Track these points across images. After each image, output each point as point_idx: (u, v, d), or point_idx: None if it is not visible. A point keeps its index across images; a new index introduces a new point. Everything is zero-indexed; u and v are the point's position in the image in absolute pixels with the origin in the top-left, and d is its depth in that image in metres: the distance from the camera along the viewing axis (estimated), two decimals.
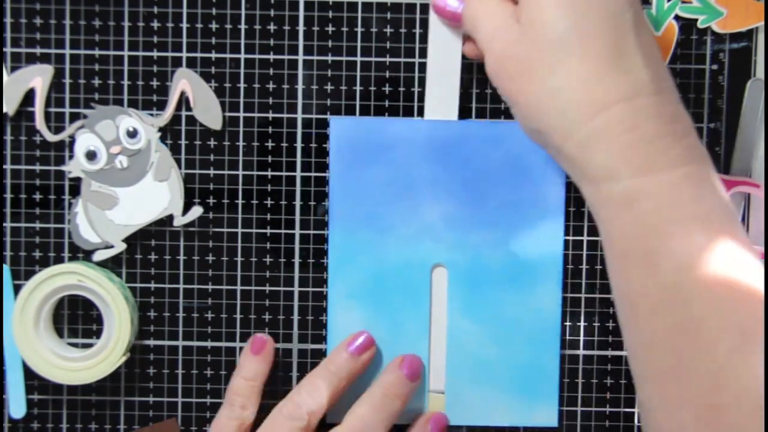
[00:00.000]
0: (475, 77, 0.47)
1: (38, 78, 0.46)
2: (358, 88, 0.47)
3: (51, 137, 0.46)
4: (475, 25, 0.40)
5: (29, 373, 0.46)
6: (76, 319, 0.48)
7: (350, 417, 0.43)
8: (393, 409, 0.43)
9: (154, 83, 0.47)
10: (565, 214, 0.47)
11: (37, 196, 0.47)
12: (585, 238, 0.48)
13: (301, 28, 0.47)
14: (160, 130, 0.46)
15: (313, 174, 0.47)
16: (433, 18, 0.44)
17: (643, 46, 0.36)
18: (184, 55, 0.47)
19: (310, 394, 0.43)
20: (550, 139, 0.37)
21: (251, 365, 0.45)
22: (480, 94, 0.47)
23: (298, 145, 0.47)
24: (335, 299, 0.47)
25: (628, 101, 0.35)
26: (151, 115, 0.47)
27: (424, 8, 0.47)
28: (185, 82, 0.46)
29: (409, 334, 0.47)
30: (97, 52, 0.47)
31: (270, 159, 0.47)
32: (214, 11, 0.47)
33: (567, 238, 0.47)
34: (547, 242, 0.47)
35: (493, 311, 0.47)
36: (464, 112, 0.47)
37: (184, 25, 0.47)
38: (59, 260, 0.47)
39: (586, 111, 0.35)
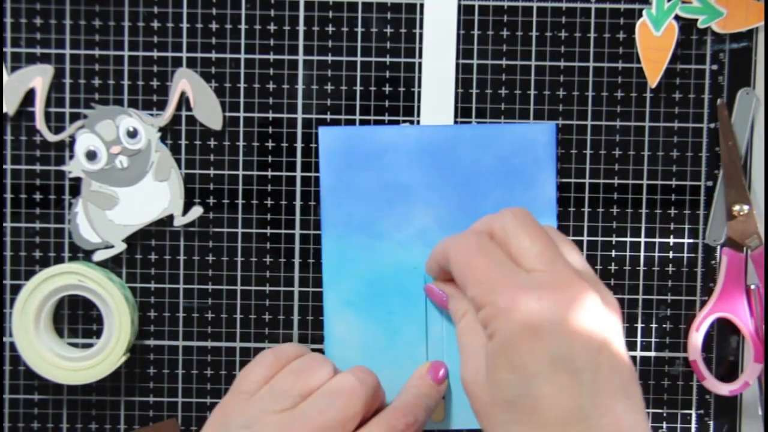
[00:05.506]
0: (475, 77, 0.47)
1: (38, 78, 0.46)
2: (358, 88, 0.47)
3: (51, 137, 0.46)
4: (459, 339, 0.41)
5: (29, 373, 0.46)
6: (76, 319, 0.48)
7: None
8: (422, 416, 0.42)
9: (154, 83, 0.47)
10: (558, 214, 0.47)
11: (37, 196, 0.47)
12: (585, 238, 0.48)
13: (301, 28, 0.47)
14: (160, 130, 0.46)
15: (312, 174, 0.47)
16: (428, 20, 0.44)
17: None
18: (184, 55, 0.47)
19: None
20: None
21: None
22: (480, 95, 0.47)
23: (298, 145, 0.47)
24: (331, 308, 0.47)
25: None
26: (151, 115, 0.47)
27: (424, 8, 0.47)
28: (185, 82, 0.46)
29: (406, 339, 0.47)
30: (97, 52, 0.47)
31: (270, 159, 0.47)
32: (214, 11, 0.47)
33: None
34: None
35: None
36: (464, 113, 0.47)
37: (184, 25, 0.47)
38: (59, 260, 0.47)
39: None
